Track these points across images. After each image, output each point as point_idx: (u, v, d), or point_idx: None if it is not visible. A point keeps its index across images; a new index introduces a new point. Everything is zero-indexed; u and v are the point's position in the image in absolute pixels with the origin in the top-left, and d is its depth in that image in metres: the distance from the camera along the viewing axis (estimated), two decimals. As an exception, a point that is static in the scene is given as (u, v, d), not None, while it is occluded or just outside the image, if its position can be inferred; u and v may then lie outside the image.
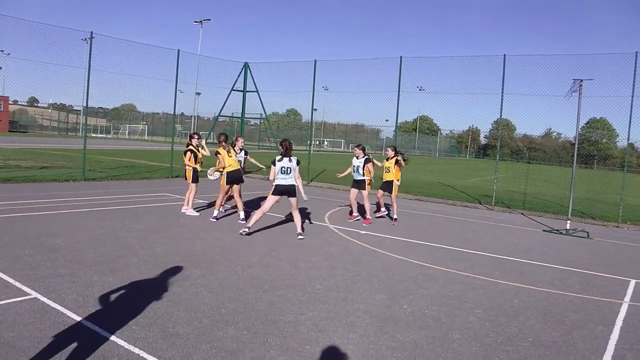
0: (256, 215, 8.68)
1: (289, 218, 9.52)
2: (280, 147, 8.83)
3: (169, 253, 7.00)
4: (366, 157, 10.85)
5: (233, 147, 10.34)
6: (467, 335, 4.75)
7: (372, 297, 5.69)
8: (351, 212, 11.11)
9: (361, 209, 11.05)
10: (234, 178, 9.87)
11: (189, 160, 10.40)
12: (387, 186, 11.18)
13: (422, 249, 8.59)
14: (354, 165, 10.95)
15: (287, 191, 8.68)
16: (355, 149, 11.18)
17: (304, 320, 4.82)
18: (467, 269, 7.37)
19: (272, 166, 8.66)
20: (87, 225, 8.47)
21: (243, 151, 11.25)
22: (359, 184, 10.94)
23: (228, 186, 9.91)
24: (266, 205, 8.71)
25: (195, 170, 10.46)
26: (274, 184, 8.65)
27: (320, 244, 8.34)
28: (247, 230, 8.56)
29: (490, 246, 9.23)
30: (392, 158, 11.13)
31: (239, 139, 11.00)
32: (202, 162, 10.71)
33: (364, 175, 10.81)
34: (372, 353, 4.20)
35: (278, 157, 8.66)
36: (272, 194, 8.65)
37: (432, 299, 5.78)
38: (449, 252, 8.53)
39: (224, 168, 9.89)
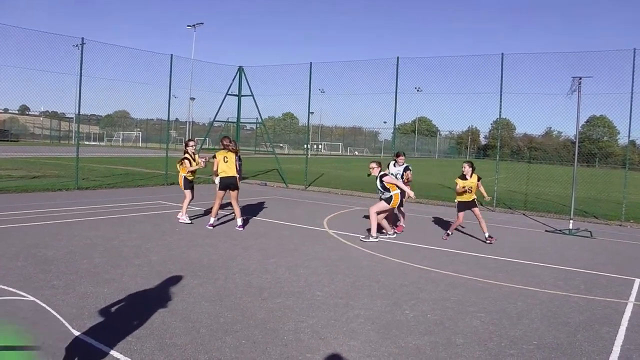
0: (390, 228, 9.79)
1: (286, 222, 9.37)
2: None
3: (164, 262, 6.88)
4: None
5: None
6: (471, 339, 4.65)
7: (373, 303, 5.59)
8: (396, 224, 10.43)
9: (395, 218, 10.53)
10: (227, 184, 9.72)
11: (181, 167, 10.32)
12: (469, 205, 9.77)
13: (423, 252, 8.49)
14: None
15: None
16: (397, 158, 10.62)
17: (304, 328, 4.71)
18: (469, 271, 7.27)
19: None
20: (80, 235, 8.35)
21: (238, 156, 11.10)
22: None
23: (223, 192, 9.78)
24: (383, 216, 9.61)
25: (186, 177, 10.34)
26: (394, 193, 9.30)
27: (320, 250, 8.23)
28: (393, 235, 9.67)
29: (493, 248, 9.13)
30: (471, 175, 9.64)
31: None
32: (195, 170, 10.57)
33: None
34: (375, 361, 4.09)
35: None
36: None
37: (435, 303, 5.68)
38: (450, 254, 8.43)
39: (216, 174, 9.76)
